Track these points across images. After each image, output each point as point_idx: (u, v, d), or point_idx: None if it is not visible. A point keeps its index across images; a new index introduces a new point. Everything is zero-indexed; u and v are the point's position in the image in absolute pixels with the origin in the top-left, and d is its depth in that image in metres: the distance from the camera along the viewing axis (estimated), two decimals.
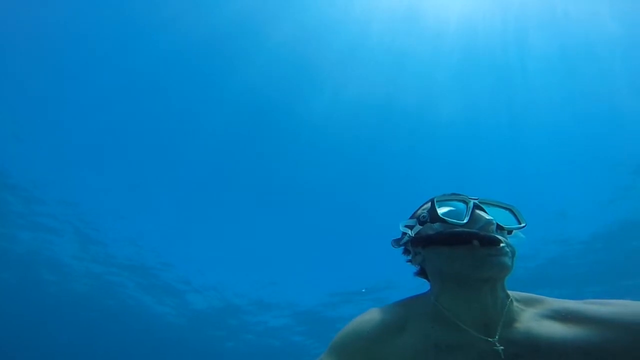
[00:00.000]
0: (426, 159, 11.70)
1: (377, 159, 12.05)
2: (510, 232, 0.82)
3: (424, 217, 0.85)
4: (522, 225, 0.82)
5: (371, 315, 0.84)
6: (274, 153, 12.26)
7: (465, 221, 0.78)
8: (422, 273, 0.91)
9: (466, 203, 0.82)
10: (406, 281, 11.76)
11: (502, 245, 0.74)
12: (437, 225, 0.81)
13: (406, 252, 0.93)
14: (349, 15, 10.49)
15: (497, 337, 0.72)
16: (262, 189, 12.73)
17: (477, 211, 0.79)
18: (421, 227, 0.85)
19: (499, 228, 0.79)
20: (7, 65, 10.24)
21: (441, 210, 0.82)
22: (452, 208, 0.83)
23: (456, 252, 0.76)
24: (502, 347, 0.70)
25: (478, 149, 11.27)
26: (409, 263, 0.93)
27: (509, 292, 0.81)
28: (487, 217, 0.78)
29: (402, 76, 11.01)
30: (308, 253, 13.57)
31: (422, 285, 0.92)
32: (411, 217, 0.92)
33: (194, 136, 11.99)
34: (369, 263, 12.30)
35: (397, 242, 0.94)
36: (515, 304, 0.79)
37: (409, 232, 0.88)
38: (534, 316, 0.76)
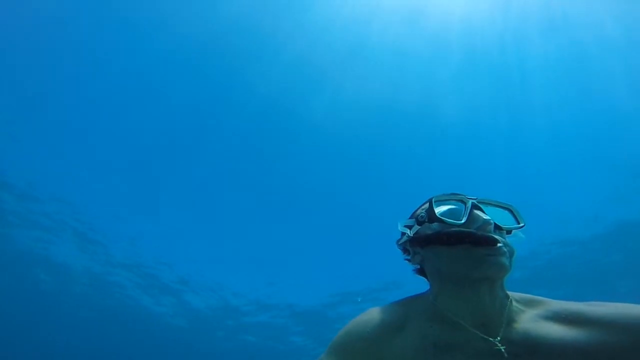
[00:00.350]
0: (426, 159, 11.72)
1: (377, 158, 12.06)
2: (509, 232, 0.82)
3: (422, 217, 0.85)
4: (521, 225, 0.82)
5: (370, 315, 0.84)
6: (273, 153, 12.26)
7: (462, 221, 0.78)
8: (421, 272, 0.92)
9: (464, 203, 0.82)
10: (406, 282, 11.76)
11: (499, 245, 0.74)
12: (435, 225, 0.81)
13: (405, 251, 0.93)
14: (349, 15, 10.50)
15: (499, 337, 0.72)
16: (261, 188, 12.73)
17: (475, 211, 0.79)
18: (419, 227, 0.85)
19: (497, 228, 0.78)
20: (3, 64, 10.22)
21: (439, 210, 0.82)
22: (450, 208, 0.83)
23: (454, 252, 0.76)
24: (504, 347, 0.70)
25: (478, 150, 11.30)
26: (407, 262, 0.93)
27: (509, 292, 0.81)
28: (485, 217, 0.77)
29: (403, 76, 11.02)
30: (307, 253, 13.56)
31: (422, 286, 0.92)
32: (410, 217, 0.92)
33: (192, 136, 11.98)
34: (368, 263, 12.29)
35: (396, 242, 0.94)
36: (514, 304, 0.79)
37: (408, 232, 0.88)
38: (534, 317, 0.76)
